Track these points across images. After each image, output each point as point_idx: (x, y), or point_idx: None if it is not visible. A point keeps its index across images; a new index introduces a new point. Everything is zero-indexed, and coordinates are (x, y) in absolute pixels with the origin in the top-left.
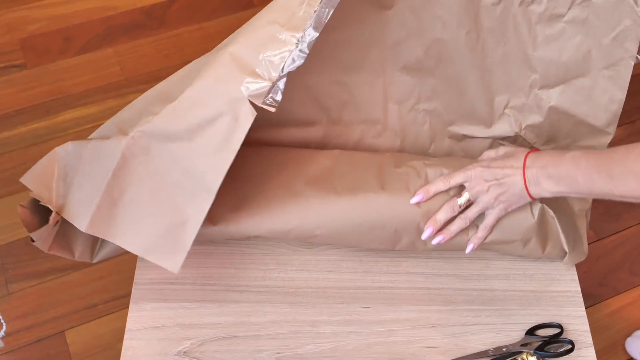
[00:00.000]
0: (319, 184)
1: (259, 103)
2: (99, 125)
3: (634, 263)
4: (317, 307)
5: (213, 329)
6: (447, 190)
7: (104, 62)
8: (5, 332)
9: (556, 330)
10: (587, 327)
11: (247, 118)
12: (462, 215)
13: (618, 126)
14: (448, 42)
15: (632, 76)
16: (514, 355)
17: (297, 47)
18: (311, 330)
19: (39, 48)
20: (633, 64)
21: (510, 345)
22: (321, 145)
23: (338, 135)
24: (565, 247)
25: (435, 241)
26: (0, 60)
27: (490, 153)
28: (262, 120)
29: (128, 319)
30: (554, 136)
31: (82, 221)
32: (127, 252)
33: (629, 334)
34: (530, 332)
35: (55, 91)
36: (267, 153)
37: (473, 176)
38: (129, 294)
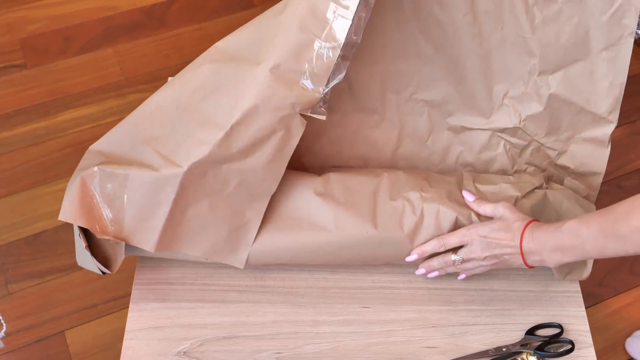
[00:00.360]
0: (312, 222)
1: (310, 114)
2: (99, 125)
3: (634, 263)
4: (317, 307)
5: (213, 329)
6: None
7: (104, 62)
8: (5, 332)
9: (556, 330)
10: (587, 327)
11: (299, 129)
12: (454, 266)
13: (618, 126)
14: (446, 24)
15: (632, 76)
16: (514, 355)
17: (340, 57)
18: (311, 330)
19: (39, 48)
20: (633, 41)
21: (510, 345)
22: (318, 134)
23: (335, 124)
24: (557, 277)
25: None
26: (0, 60)
27: (487, 207)
28: None
29: (128, 319)
30: (554, 128)
31: (149, 245)
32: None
33: (629, 334)
34: (530, 332)
35: (55, 91)
36: None
37: (469, 243)
38: (129, 294)
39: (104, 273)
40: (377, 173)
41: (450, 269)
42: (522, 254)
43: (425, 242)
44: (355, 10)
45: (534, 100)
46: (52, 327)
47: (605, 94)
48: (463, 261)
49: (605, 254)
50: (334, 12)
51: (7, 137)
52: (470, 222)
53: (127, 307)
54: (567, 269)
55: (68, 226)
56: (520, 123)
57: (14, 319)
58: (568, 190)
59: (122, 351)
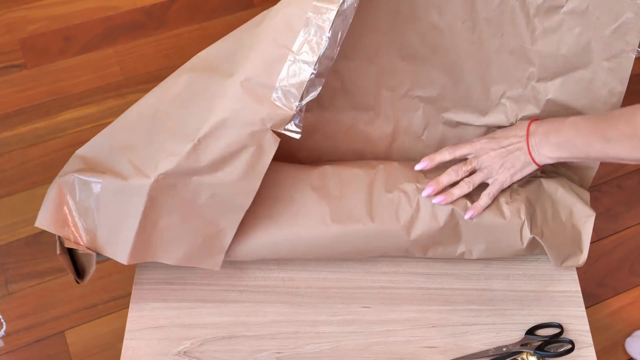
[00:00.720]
0: (308, 215)
1: (282, 131)
2: (99, 125)
3: (634, 263)
4: (317, 307)
5: (213, 329)
6: (451, 160)
7: (104, 62)
8: (5, 332)
9: (556, 330)
10: (587, 327)
11: (271, 146)
12: (466, 179)
13: None
14: (444, 30)
15: (632, 76)
16: (514, 355)
17: (314, 73)
18: (311, 330)
19: (39, 48)
20: (634, 57)
21: (510, 345)
22: (311, 130)
23: (328, 121)
24: (553, 263)
25: (436, 200)
26: (0, 60)
27: (463, 150)
28: None
29: (128, 319)
30: None
31: (121, 257)
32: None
33: (628, 334)
34: (531, 332)
35: (55, 91)
36: None
37: (479, 147)
38: (129, 294)
39: (77, 282)
40: (372, 165)
41: (460, 190)
42: (527, 140)
43: (422, 233)
44: (330, 26)
45: (531, 103)
46: (52, 327)
47: (604, 101)
48: (474, 169)
49: (589, 155)
50: (309, 27)
51: (7, 137)
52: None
53: (127, 307)
54: (563, 255)
55: None
56: (516, 122)
57: (14, 318)
58: (563, 178)
59: (122, 351)
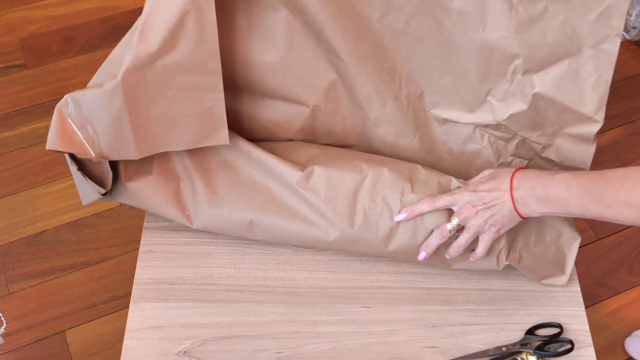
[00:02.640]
0: (292, 213)
1: None
2: None
3: (634, 263)
4: (317, 307)
5: (213, 329)
6: (431, 211)
7: (104, 62)
8: (5, 331)
9: (556, 330)
10: (587, 327)
11: (208, 2)
12: (454, 245)
13: (618, 126)
14: (426, 19)
15: (632, 76)
16: (514, 355)
17: None
18: (311, 330)
19: (39, 48)
20: (619, 42)
21: (510, 344)
22: (306, 124)
23: (324, 118)
24: (533, 279)
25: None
26: (0, 60)
27: (475, 178)
28: (250, 89)
29: (128, 319)
30: (539, 124)
31: (132, 154)
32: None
33: (628, 334)
34: (530, 331)
35: (55, 91)
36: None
37: (460, 200)
38: (129, 294)
39: (102, 195)
40: (361, 169)
41: (455, 245)
42: (512, 198)
43: (399, 247)
44: None
45: (518, 98)
46: (52, 327)
47: (591, 93)
48: (459, 227)
49: (585, 215)
50: None
51: (7, 137)
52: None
53: (127, 307)
54: (543, 275)
55: (68, 226)
56: (503, 120)
57: (14, 318)
58: None
59: (123, 351)
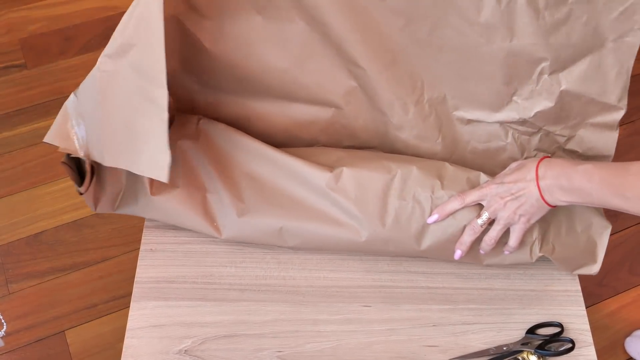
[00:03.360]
0: (321, 215)
1: None
2: None
3: (634, 263)
4: (318, 305)
5: (214, 328)
6: (462, 208)
7: None
8: (5, 332)
9: (557, 329)
10: (588, 326)
11: None
12: (486, 238)
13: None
14: (451, 29)
15: (632, 76)
16: (514, 354)
17: None
18: (312, 329)
19: (39, 48)
20: None
21: (511, 344)
22: (327, 126)
23: (345, 121)
24: (565, 271)
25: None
26: (0, 60)
27: (503, 171)
28: (270, 93)
29: (129, 318)
30: (563, 117)
31: (103, 158)
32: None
33: (628, 334)
34: (531, 331)
35: (55, 91)
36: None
37: (488, 194)
38: (129, 294)
39: (79, 192)
40: (389, 168)
41: (487, 239)
42: (538, 187)
43: (432, 245)
44: None
45: (544, 97)
46: (52, 327)
47: (614, 83)
48: (490, 220)
49: (605, 206)
50: None
51: (7, 137)
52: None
53: (127, 307)
54: (575, 265)
55: (68, 226)
56: (529, 118)
57: (14, 318)
58: None
59: (123, 349)
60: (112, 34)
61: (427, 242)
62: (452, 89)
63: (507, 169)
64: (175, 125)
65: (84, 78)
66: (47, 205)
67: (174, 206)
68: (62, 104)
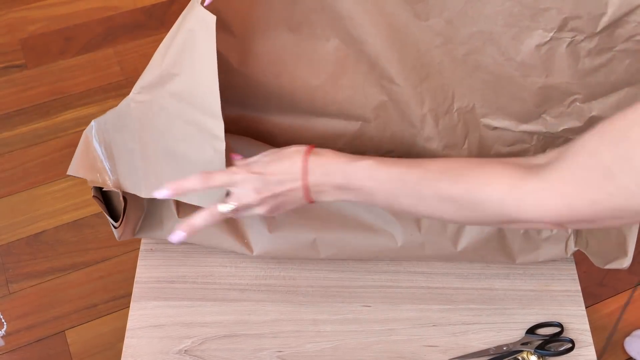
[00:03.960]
0: (358, 221)
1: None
2: None
3: (634, 263)
4: (318, 305)
5: (214, 328)
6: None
7: (104, 62)
8: (5, 332)
9: (556, 329)
10: (587, 326)
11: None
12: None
13: None
14: (484, 56)
15: None
16: (514, 354)
17: None
18: (312, 329)
19: (39, 48)
20: None
21: (510, 344)
22: (353, 139)
23: (372, 133)
24: (597, 264)
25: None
26: (0, 61)
27: (255, 157)
28: (297, 109)
29: (129, 318)
30: (587, 127)
31: (141, 190)
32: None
33: (628, 334)
34: (531, 331)
35: (55, 91)
36: None
37: (239, 182)
38: (129, 294)
39: (114, 227)
40: None
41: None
42: (305, 185)
43: (468, 245)
44: None
45: (574, 118)
46: (52, 327)
47: None
48: (236, 210)
49: (392, 207)
50: None
51: (7, 137)
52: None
53: (128, 307)
54: (607, 260)
55: (68, 226)
56: (555, 132)
57: (15, 318)
58: None
59: (123, 349)
60: (112, 33)
61: (463, 242)
62: (482, 101)
63: (262, 155)
64: None
65: (84, 78)
66: (47, 205)
67: None
68: (62, 104)
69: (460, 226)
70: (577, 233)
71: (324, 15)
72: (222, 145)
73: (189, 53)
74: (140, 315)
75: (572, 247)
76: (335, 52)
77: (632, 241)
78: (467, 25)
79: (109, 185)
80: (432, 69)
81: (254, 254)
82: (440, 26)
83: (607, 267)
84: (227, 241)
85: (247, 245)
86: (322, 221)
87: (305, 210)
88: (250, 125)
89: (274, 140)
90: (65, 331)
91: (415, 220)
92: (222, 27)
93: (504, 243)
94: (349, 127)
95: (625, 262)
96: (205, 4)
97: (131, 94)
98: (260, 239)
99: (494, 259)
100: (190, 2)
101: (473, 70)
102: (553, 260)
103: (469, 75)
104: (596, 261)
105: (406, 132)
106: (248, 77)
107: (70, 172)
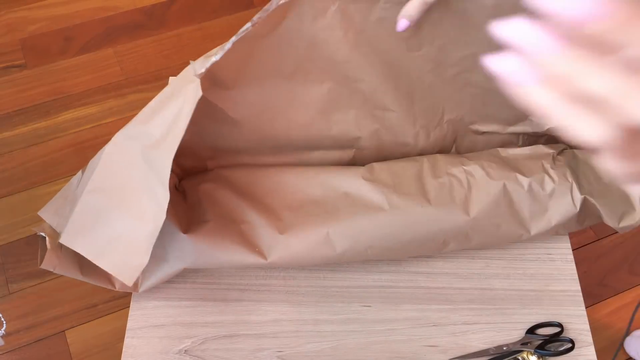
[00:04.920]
0: (366, 204)
1: (203, 70)
2: (99, 125)
3: (634, 263)
4: (318, 306)
5: (214, 328)
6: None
7: (104, 62)
8: (5, 332)
9: (556, 329)
10: (587, 326)
11: (193, 93)
12: None
13: None
14: (474, 74)
15: None
16: (514, 354)
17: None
18: (312, 329)
19: (39, 48)
20: None
21: (510, 344)
22: (350, 163)
23: (366, 157)
24: (610, 224)
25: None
26: (0, 61)
27: None
28: (291, 145)
29: (129, 317)
30: None
31: (65, 237)
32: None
33: (628, 334)
34: (531, 331)
35: (55, 91)
36: (298, 178)
37: None
38: (129, 294)
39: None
40: (416, 159)
41: None
42: None
43: (480, 210)
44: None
45: None
46: (52, 327)
47: None
48: None
49: None
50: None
51: (7, 137)
52: (517, 184)
53: (128, 307)
54: (618, 214)
55: None
56: (541, 132)
57: (14, 318)
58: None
59: (123, 349)
60: (112, 33)
61: (475, 209)
62: (471, 111)
63: None
64: (189, 180)
65: (84, 78)
66: None
67: (210, 241)
68: (62, 104)
69: (467, 195)
70: (579, 183)
71: (318, 63)
72: (163, 217)
73: (173, 123)
74: (141, 315)
75: (578, 197)
76: (329, 92)
77: (636, 197)
78: (459, 50)
79: (46, 231)
80: (425, 92)
81: (268, 260)
82: (432, 54)
83: (621, 226)
84: (238, 252)
85: (260, 252)
86: (332, 213)
87: (310, 208)
88: (244, 164)
89: (266, 174)
90: (65, 331)
91: (422, 195)
92: (216, 83)
93: (513, 208)
94: (344, 155)
95: (638, 217)
96: (200, 75)
97: (113, 137)
98: (273, 243)
99: (509, 230)
100: (187, 68)
101: (463, 87)
102: (565, 226)
103: (458, 91)
104: (607, 213)
105: (401, 150)
106: (242, 124)
107: (40, 213)
